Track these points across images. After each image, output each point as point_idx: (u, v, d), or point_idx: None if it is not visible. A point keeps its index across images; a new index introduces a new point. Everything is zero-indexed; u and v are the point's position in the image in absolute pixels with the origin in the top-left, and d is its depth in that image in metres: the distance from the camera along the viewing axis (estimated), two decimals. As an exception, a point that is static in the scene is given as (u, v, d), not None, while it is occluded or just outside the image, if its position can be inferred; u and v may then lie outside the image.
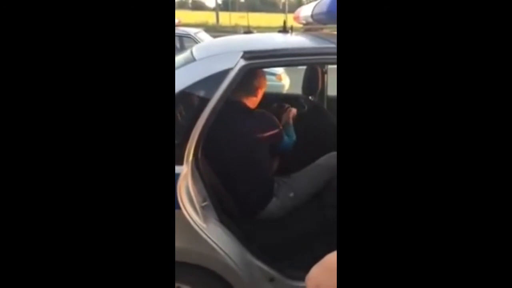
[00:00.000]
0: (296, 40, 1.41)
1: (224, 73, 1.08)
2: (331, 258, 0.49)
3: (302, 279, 1.28)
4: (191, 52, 1.26)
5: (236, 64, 1.09)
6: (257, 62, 1.13)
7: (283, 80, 4.63)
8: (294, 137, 1.61)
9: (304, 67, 2.06)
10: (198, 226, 1.11)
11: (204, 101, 1.08)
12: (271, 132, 1.39)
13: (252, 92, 1.44)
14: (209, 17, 15.89)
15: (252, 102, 1.45)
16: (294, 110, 1.75)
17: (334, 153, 1.53)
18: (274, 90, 3.48)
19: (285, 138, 1.52)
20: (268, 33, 1.84)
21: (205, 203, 1.15)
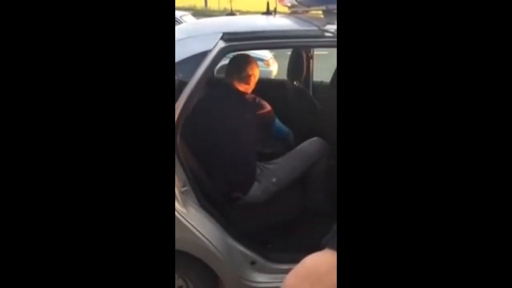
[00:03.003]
0: (278, 22, 1.39)
1: (202, 55, 1.05)
2: (307, 264, 0.47)
3: (283, 261, 1.30)
4: (170, 34, 1.22)
5: (215, 46, 1.06)
6: (237, 44, 1.10)
7: (272, 66, 4.58)
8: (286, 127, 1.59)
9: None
10: (177, 212, 1.10)
11: (182, 84, 1.05)
12: (261, 112, 1.40)
13: (245, 79, 1.43)
14: (197, 0, 15.50)
15: (244, 89, 1.44)
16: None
17: (316, 138, 1.54)
18: (261, 76, 3.44)
19: (277, 121, 1.51)
20: (251, 15, 1.80)
21: (184, 188, 1.14)
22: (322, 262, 0.45)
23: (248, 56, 1.49)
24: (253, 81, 1.47)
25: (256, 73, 1.47)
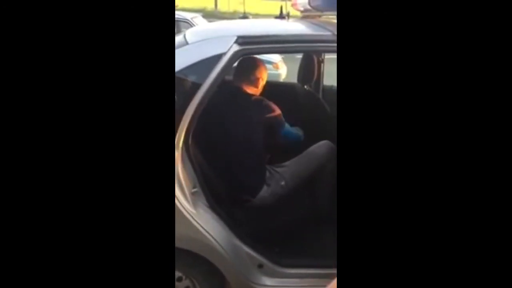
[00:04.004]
0: (292, 27, 1.39)
1: (216, 57, 1.06)
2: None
3: (291, 266, 1.29)
4: (184, 36, 1.23)
5: (229, 49, 1.07)
6: (251, 48, 1.11)
7: (280, 68, 4.58)
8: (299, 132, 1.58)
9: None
10: (187, 212, 1.11)
11: (196, 86, 1.06)
12: (269, 115, 1.39)
13: (253, 82, 1.44)
14: (207, 2, 15.58)
15: (252, 91, 1.44)
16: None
17: (325, 141, 1.54)
18: (270, 79, 3.44)
19: (287, 126, 1.50)
20: (264, 19, 1.81)
21: (195, 189, 1.14)
22: None
23: (256, 59, 1.48)
24: (261, 84, 1.47)
25: (264, 76, 1.47)
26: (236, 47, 1.08)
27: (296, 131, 1.55)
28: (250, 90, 1.44)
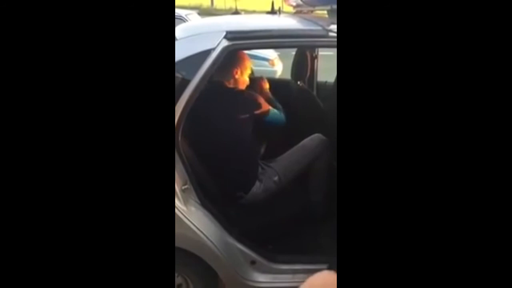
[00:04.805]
0: (282, 22, 1.38)
1: (205, 53, 1.05)
2: (317, 281, 0.47)
3: (284, 262, 1.29)
4: (173, 32, 1.22)
5: (218, 45, 1.06)
6: (240, 43, 1.10)
7: (276, 65, 4.57)
8: (281, 111, 1.55)
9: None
10: (178, 209, 1.10)
11: (185, 82, 1.05)
12: (255, 111, 1.38)
13: (232, 75, 1.38)
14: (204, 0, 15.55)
15: (234, 84, 1.40)
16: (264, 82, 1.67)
17: (317, 135, 1.53)
18: (266, 76, 3.43)
19: (272, 111, 1.48)
20: (255, 14, 1.80)
21: (185, 186, 1.14)
22: (332, 282, 0.45)
23: (236, 52, 1.38)
24: (241, 76, 1.40)
25: (243, 66, 1.40)
26: (225, 43, 1.07)
27: (278, 114, 1.51)
28: (230, 83, 1.39)
